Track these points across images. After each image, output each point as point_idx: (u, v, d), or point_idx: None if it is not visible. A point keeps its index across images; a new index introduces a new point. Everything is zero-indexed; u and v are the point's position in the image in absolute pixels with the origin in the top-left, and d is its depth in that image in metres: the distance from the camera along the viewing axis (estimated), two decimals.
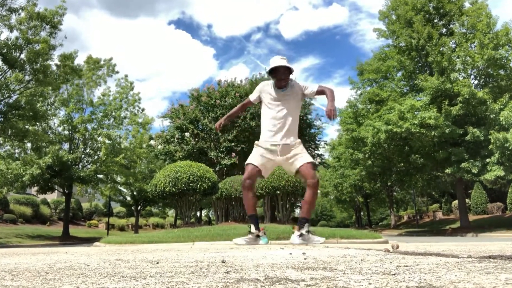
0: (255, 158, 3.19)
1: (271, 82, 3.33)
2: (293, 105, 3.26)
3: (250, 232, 3.16)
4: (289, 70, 3.23)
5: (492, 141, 15.16)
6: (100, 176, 20.15)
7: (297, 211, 55.65)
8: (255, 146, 3.32)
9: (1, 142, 17.58)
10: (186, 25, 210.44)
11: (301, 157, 3.13)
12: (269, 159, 3.19)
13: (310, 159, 3.14)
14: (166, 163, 20.62)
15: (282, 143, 3.15)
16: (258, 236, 3.14)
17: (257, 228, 3.18)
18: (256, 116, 20.32)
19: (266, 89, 3.32)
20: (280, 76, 3.20)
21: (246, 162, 3.25)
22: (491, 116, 16.42)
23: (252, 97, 3.42)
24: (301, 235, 3.06)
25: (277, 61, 3.23)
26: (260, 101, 3.38)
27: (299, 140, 3.26)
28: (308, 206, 3.12)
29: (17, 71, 14.62)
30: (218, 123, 3.54)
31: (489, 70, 17.02)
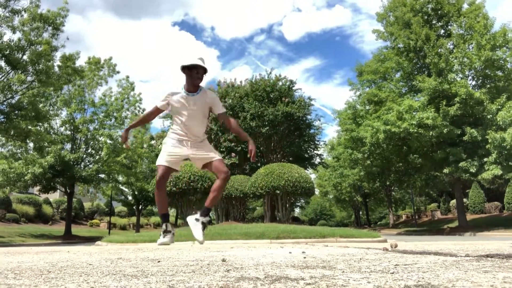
0: (165, 158, 3.21)
1: (180, 88, 3.29)
2: (202, 111, 3.26)
3: (167, 231, 3.21)
4: (204, 71, 3.22)
5: (489, 141, 15.30)
6: (102, 175, 20.36)
7: (297, 210, 55.71)
8: (163, 143, 3.35)
9: (4, 142, 17.78)
10: (190, 26, 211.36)
11: (213, 154, 3.21)
12: (179, 155, 3.22)
13: (220, 156, 3.25)
14: None
15: (192, 140, 3.22)
16: (170, 231, 3.24)
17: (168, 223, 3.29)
18: (256, 117, 20.50)
19: (175, 95, 3.23)
20: (196, 74, 3.17)
21: (157, 163, 3.25)
22: (488, 117, 16.51)
23: (160, 103, 3.29)
24: (196, 219, 3.15)
25: (197, 60, 3.18)
26: (168, 107, 3.28)
27: (205, 137, 3.34)
28: (215, 194, 3.20)
29: (20, 72, 14.74)
30: (123, 137, 3.40)
31: (486, 71, 17.10)
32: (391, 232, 22.85)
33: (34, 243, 15.07)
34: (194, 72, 3.16)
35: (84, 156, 20.50)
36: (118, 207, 35.65)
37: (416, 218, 29.33)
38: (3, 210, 21.84)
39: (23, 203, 24.71)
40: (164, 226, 3.22)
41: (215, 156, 3.22)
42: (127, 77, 21.76)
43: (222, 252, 2.41)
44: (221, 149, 20.21)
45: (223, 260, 1.73)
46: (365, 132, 18.23)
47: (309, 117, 22.82)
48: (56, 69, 16.20)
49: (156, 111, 3.35)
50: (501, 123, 15.49)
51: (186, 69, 3.19)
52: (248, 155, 3.30)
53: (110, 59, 21.22)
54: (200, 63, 3.16)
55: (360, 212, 45.17)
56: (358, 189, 36.30)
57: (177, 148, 3.22)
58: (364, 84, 20.95)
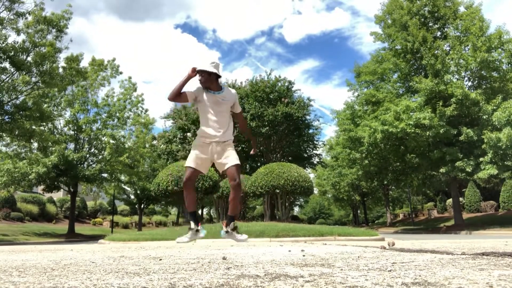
0: (192, 160, 3.37)
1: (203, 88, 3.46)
2: (227, 108, 3.44)
3: (190, 229, 3.37)
4: (216, 76, 3.40)
5: (485, 141, 15.48)
6: (105, 175, 20.57)
7: (296, 209, 55.69)
8: (192, 146, 3.51)
9: (9, 141, 18.04)
10: (191, 29, 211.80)
11: (230, 159, 3.31)
12: (205, 157, 3.38)
13: (236, 162, 3.31)
14: (168, 162, 21.12)
15: (217, 141, 3.35)
16: (197, 230, 3.37)
17: (196, 223, 3.40)
18: (256, 117, 20.80)
19: (203, 92, 3.40)
20: (202, 78, 3.36)
21: (185, 164, 3.42)
22: (484, 117, 16.75)
23: (188, 90, 3.35)
24: (227, 231, 3.31)
25: (205, 65, 3.38)
26: (194, 100, 3.38)
27: (231, 139, 3.46)
28: (232, 204, 3.34)
29: (24, 73, 14.93)
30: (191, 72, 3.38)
31: (482, 72, 17.35)
32: (388, 231, 23.16)
33: (37, 241, 15.34)
34: (201, 76, 3.39)
35: (87, 155, 20.74)
36: (121, 206, 35.94)
37: (413, 217, 29.64)
38: (8, 209, 22.12)
39: (27, 202, 25.02)
40: (190, 224, 3.40)
41: (231, 162, 3.28)
42: (130, 78, 21.97)
43: (223, 250, 2.47)
44: None
45: (224, 258, 1.76)
46: (363, 132, 18.47)
47: (308, 117, 23.12)
48: (60, 70, 16.41)
49: (183, 94, 3.35)
50: (496, 123, 15.70)
51: (198, 72, 3.42)
52: (252, 152, 3.83)
53: (114, 60, 21.38)
54: (205, 68, 3.37)
55: (358, 211, 45.44)
56: (356, 188, 36.56)
57: (204, 154, 3.37)
58: (362, 85, 21.20)
